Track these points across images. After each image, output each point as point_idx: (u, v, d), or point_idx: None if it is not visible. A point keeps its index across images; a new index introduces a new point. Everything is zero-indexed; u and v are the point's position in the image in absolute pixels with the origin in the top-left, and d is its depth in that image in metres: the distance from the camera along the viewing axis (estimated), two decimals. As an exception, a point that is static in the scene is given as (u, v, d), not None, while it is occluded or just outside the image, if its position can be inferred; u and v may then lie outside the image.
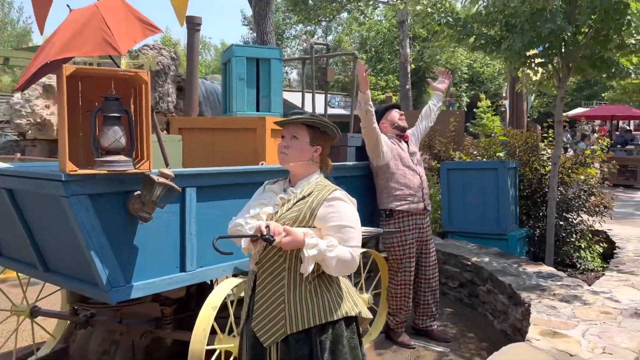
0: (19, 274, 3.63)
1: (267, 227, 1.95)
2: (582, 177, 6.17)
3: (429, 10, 5.21)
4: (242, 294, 2.88)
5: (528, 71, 5.61)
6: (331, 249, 1.97)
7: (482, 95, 30.45)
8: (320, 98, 14.86)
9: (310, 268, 1.99)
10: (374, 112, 3.56)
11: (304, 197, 2.13)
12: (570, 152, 9.49)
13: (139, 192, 2.60)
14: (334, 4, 19.98)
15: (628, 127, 20.09)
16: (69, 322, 3.88)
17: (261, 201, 2.23)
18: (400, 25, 20.23)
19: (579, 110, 21.11)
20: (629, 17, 4.48)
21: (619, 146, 14.26)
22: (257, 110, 3.90)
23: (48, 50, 2.45)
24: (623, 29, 4.51)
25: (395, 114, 3.92)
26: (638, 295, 3.77)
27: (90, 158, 2.57)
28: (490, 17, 5.05)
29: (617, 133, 16.41)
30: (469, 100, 33.85)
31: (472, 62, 33.66)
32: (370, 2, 23.34)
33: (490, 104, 26.92)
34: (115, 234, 2.60)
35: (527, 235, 6.11)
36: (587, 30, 4.79)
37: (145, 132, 2.60)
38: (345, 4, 20.69)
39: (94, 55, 2.81)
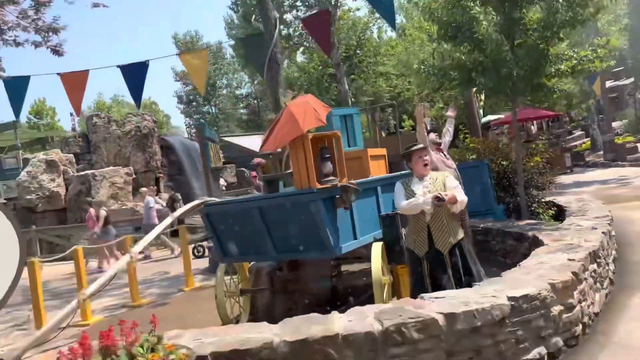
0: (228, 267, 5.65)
1: (439, 194, 4.26)
2: (532, 163, 8.87)
3: (421, 67, 7.75)
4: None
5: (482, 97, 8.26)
6: (463, 197, 4.34)
7: (405, 117, 34.38)
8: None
9: (459, 208, 4.33)
10: (427, 138, 5.94)
11: (435, 180, 4.49)
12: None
13: (339, 195, 4.80)
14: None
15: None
16: (251, 300, 5.89)
17: (416, 188, 4.53)
18: (337, 66, 23.18)
19: (490, 117, 24.88)
20: (550, 57, 7.23)
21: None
22: (349, 146, 6.16)
23: (292, 125, 4.58)
24: (548, 65, 7.24)
25: (432, 136, 6.32)
26: (589, 223, 6.31)
27: (307, 180, 4.72)
28: (462, 65, 7.64)
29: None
30: (394, 122, 37.58)
31: (392, 89, 37.45)
32: (302, 49, 26.12)
33: (413, 124, 30.53)
34: (332, 219, 4.77)
35: (504, 209, 8.68)
36: (526, 69, 7.47)
37: (340, 163, 4.83)
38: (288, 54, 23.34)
39: (311, 127, 4.87)
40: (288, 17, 21.30)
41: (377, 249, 5.00)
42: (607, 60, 7.55)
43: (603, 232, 5.51)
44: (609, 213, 6.88)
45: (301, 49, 25.18)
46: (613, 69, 31.48)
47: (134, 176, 15.56)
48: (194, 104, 43.20)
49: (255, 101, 46.73)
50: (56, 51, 6.79)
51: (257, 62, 10.41)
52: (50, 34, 6.55)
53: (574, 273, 4.00)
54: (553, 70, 7.53)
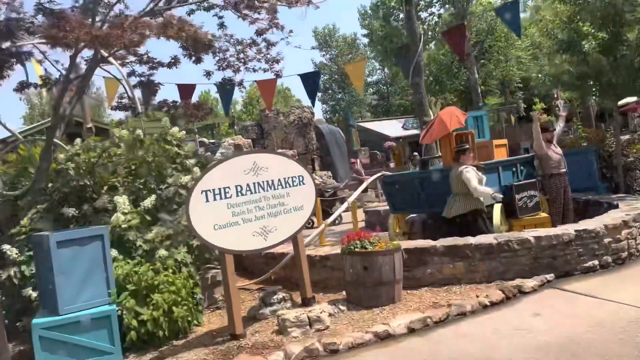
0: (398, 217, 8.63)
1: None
2: (634, 150, 10.73)
3: (539, 75, 10.06)
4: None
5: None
6: None
7: (536, 100, 35.05)
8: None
9: None
10: (540, 133, 8.33)
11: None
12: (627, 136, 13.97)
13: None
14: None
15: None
16: (408, 239, 8.81)
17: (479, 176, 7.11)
18: (468, 56, 25.18)
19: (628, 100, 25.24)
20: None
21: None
22: (479, 138, 8.79)
23: (442, 127, 7.38)
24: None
25: (548, 135, 8.69)
26: (668, 196, 8.33)
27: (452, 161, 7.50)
28: (571, 74, 9.83)
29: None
30: (525, 105, 38.24)
31: (523, 72, 38.05)
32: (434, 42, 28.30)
33: (544, 105, 31.30)
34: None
35: (606, 187, 10.69)
36: (624, 78, 9.46)
37: (473, 150, 7.54)
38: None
39: (455, 128, 7.65)
40: (423, 14, 23.67)
41: (497, 208, 7.66)
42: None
43: (667, 201, 7.64)
44: (689, 190, 8.79)
45: (433, 42, 27.39)
46: None
47: (297, 157, 19.25)
48: (329, 92, 47.06)
49: (385, 87, 49.59)
50: (277, 75, 10.11)
51: (403, 67, 13.17)
52: (274, 63, 9.84)
53: (623, 221, 6.40)
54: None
